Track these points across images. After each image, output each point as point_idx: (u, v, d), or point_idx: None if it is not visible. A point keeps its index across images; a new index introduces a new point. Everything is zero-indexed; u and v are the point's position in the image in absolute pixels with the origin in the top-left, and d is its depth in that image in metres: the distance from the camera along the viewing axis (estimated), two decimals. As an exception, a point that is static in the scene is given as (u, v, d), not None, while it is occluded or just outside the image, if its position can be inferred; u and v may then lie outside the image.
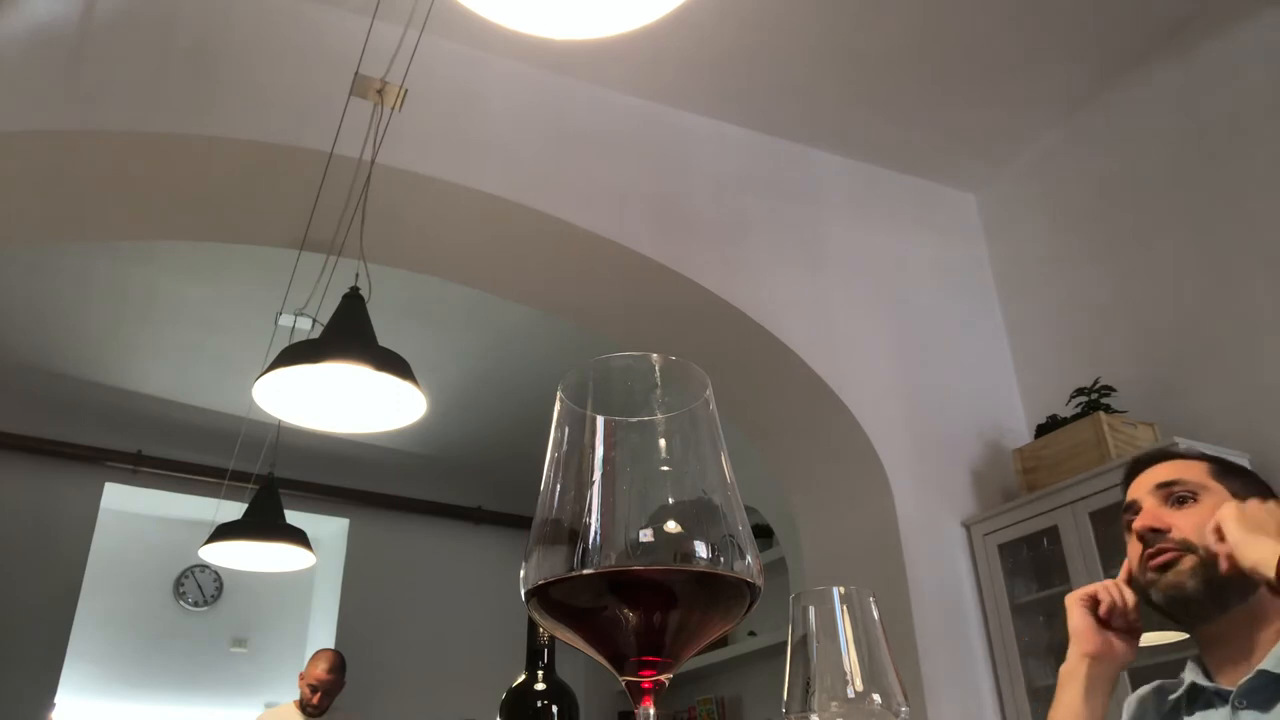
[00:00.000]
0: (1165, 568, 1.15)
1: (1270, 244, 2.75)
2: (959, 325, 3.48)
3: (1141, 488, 1.25)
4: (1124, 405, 2.92)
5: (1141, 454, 1.33)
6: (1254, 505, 1.16)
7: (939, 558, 3.00)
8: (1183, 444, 2.55)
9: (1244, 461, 2.61)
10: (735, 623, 0.50)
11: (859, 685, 0.73)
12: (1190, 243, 2.98)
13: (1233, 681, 1.11)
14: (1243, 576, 1.07)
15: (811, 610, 0.77)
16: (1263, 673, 1.06)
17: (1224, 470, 1.23)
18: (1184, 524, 1.17)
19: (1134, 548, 1.22)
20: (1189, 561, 1.14)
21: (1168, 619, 1.19)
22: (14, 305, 4.31)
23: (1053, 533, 2.84)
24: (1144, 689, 1.27)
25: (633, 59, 3.08)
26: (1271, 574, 0.94)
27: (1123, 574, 1.23)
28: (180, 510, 5.57)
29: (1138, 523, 1.20)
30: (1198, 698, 1.16)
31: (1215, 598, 1.12)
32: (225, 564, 4.09)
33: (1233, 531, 1.01)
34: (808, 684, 0.75)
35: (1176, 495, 1.20)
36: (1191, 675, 1.18)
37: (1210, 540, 1.08)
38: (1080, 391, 2.96)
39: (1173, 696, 1.20)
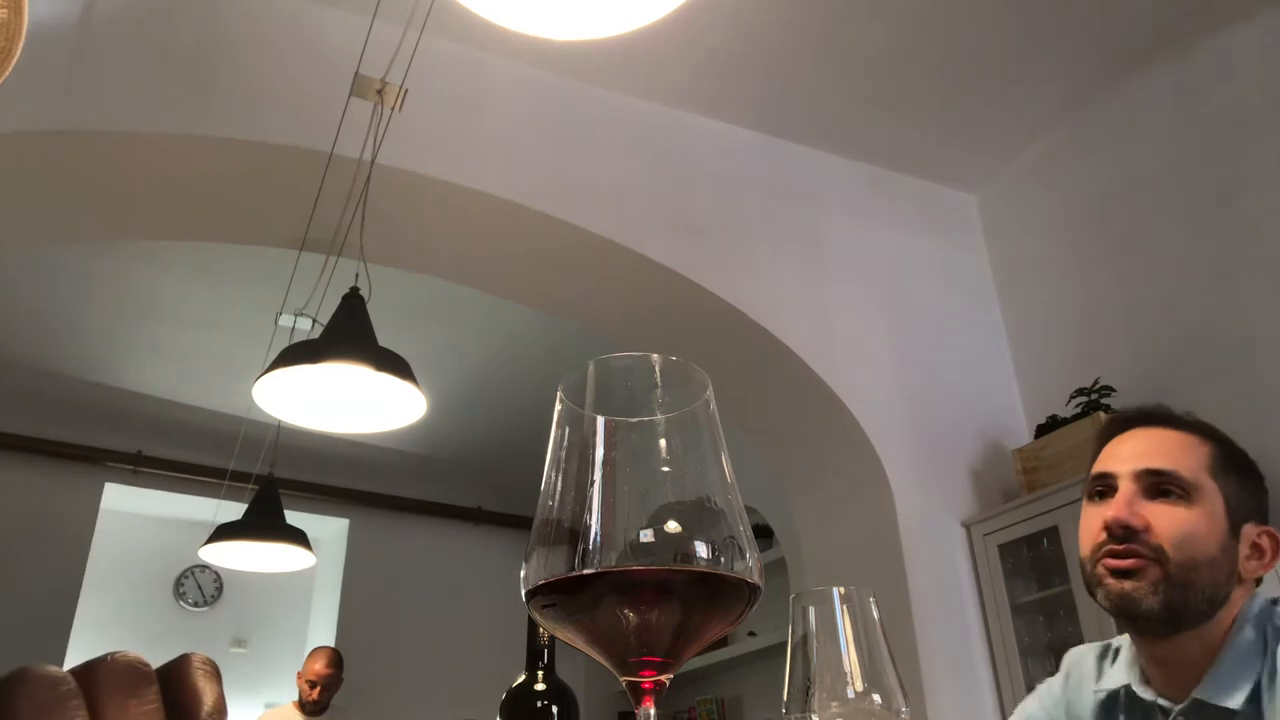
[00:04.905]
0: (1126, 574, 1.02)
1: (1270, 244, 2.75)
2: (959, 325, 3.48)
3: (1124, 462, 1.07)
4: (1124, 405, 2.92)
5: (1130, 411, 1.12)
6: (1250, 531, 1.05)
7: (939, 558, 3.00)
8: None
9: (1244, 462, 2.61)
10: (736, 623, 0.50)
11: (859, 685, 0.73)
12: (1190, 243, 2.98)
13: (1173, 694, 1.04)
14: (1207, 602, 1.01)
15: (811, 610, 0.77)
16: (1197, 700, 1.00)
17: (1227, 463, 1.06)
18: (1163, 524, 1.02)
19: (1093, 524, 1.07)
20: (1155, 574, 1.01)
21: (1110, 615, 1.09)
22: (14, 305, 4.31)
23: (1053, 533, 2.84)
24: (1085, 649, 1.20)
25: (633, 59, 3.08)
26: None
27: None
28: (180, 510, 5.57)
29: (1110, 512, 1.03)
30: (1136, 704, 1.08)
31: (1171, 620, 1.01)
32: (225, 564, 4.09)
33: None
34: (808, 684, 0.75)
35: (1165, 487, 1.04)
36: (1129, 676, 1.09)
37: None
38: (1080, 391, 2.96)
39: (1103, 688, 1.11)
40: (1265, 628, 1.02)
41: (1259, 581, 1.08)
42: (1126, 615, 1.03)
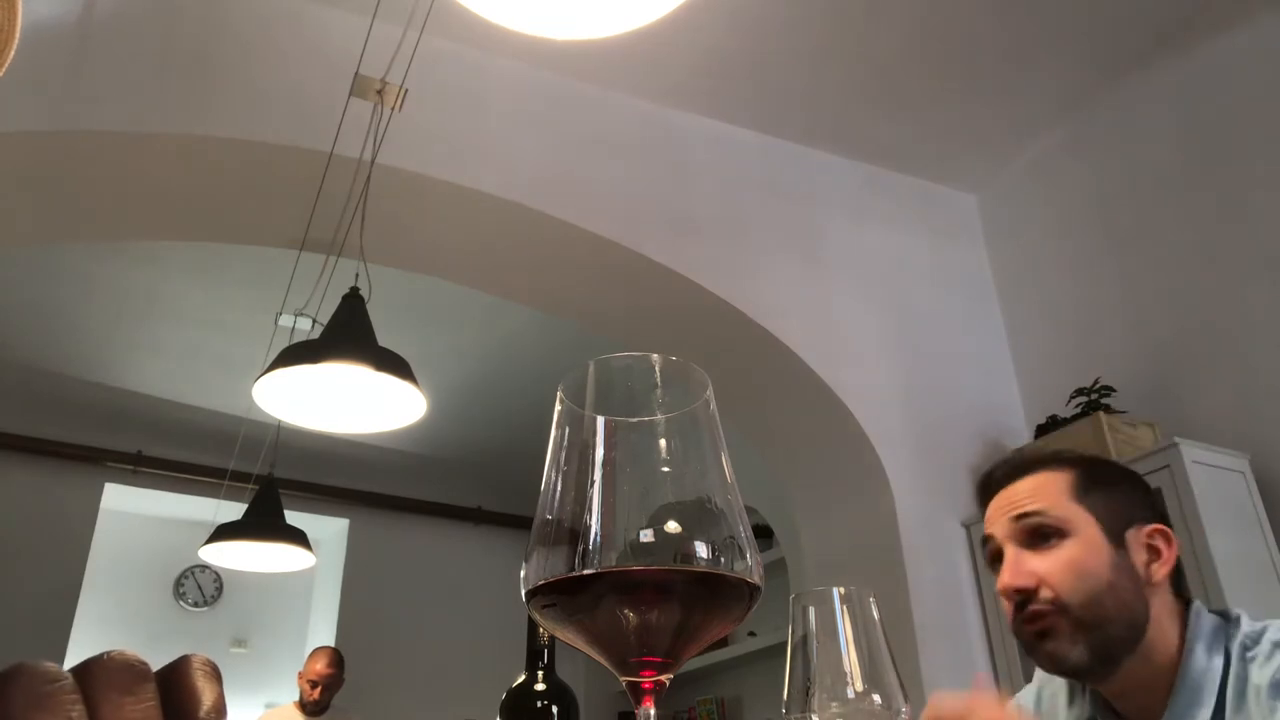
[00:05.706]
0: (1044, 635, 1.01)
1: (1270, 244, 2.75)
2: (959, 325, 3.47)
3: (997, 515, 1.07)
4: (1124, 405, 2.92)
5: (992, 469, 1.13)
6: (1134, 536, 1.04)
7: (939, 557, 3.00)
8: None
9: (1244, 462, 2.61)
10: (736, 623, 0.50)
11: (859, 685, 0.73)
12: (1190, 243, 2.98)
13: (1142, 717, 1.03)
14: (1128, 627, 0.99)
15: (811, 610, 0.77)
16: None
17: (1089, 482, 1.06)
18: (1050, 572, 1.01)
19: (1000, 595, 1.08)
20: (1065, 626, 0.99)
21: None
22: (14, 305, 4.31)
23: (1052, 533, 2.83)
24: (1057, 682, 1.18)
25: (633, 59, 3.08)
26: None
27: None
28: (180, 510, 5.57)
29: (1001, 581, 1.03)
30: None
31: (1104, 660, 1.00)
32: (225, 564, 4.09)
33: None
34: (808, 684, 0.75)
35: (1038, 531, 1.04)
36: (1094, 709, 1.08)
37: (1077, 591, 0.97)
38: (1080, 391, 2.96)
39: None
40: (1227, 647, 1.00)
41: (1178, 582, 1.06)
42: (1062, 673, 1.04)
